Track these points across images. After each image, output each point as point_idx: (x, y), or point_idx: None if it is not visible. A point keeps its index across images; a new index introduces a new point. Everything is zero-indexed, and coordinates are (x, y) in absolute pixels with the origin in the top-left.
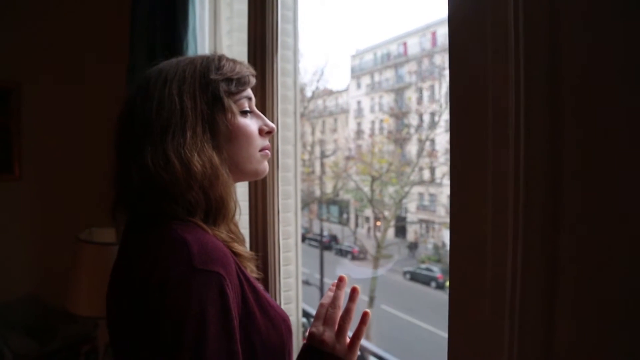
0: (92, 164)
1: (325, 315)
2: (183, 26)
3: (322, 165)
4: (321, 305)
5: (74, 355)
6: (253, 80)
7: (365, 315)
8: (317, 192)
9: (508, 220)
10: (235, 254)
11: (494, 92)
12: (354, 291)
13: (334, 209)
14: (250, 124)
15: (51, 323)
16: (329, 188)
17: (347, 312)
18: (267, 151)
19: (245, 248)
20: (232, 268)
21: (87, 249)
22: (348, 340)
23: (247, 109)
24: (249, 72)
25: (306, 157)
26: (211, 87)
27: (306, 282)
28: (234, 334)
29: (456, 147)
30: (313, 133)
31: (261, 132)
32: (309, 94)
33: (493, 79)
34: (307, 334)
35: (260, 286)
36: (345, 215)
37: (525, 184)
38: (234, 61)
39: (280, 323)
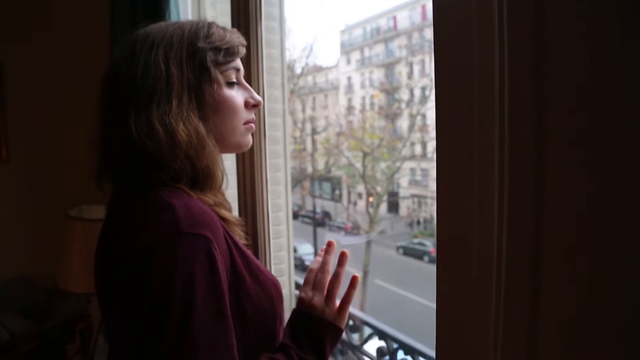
0: (79, 143)
1: (314, 280)
2: None
3: (314, 142)
4: (310, 270)
5: (69, 333)
6: (242, 51)
7: (354, 279)
8: (309, 169)
9: (494, 211)
10: (222, 219)
11: (479, 75)
12: (342, 256)
13: (326, 186)
14: (236, 96)
15: (46, 303)
16: (320, 165)
17: (336, 276)
18: (251, 124)
19: (231, 214)
20: (219, 232)
21: (76, 226)
22: (337, 304)
23: (234, 80)
24: (239, 41)
25: (297, 134)
26: (198, 56)
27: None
28: (222, 297)
29: (442, 127)
30: (303, 110)
31: (247, 104)
32: (298, 70)
33: (478, 58)
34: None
35: (249, 252)
36: (337, 192)
37: (510, 170)
38: (224, 29)
39: (270, 288)
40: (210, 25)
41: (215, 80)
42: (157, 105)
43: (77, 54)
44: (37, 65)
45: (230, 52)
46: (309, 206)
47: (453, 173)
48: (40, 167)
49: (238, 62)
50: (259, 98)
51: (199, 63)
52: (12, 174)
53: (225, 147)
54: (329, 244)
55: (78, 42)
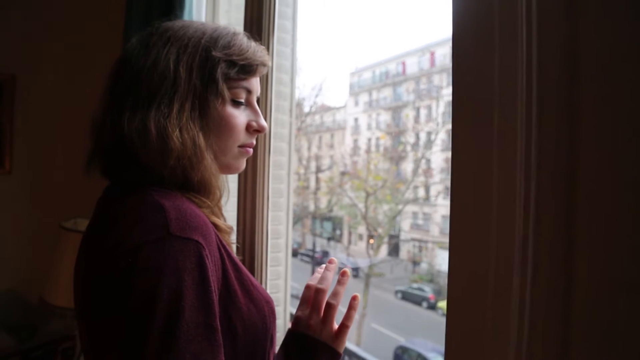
0: (81, 159)
1: (312, 298)
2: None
3: (317, 180)
4: (308, 288)
5: (52, 352)
6: (262, 70)
7: (354, 300)
8: (311, 207)
9: (515, 227)
10: (214, 225)
11: (500, 88)
12: (343, 274)
13: (328, 225)
14: (238, 115)
15: (32, 320)
16: (323, 203)
17: (335, 295)
18: (248, 149)
19: (224, 222)
20: (212, 239)
21: (69, 238)
22: (336, 326)
23: (242, 100)
24: (260, 60)
25: (302, 171)
26: (209, 65)
27: (296, 297)
28: (212, 309)
29: (458, 152)
30: (309, 148)
31: (249, 127)
32: (306, 108)
33: (499, 74)
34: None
35: (242, 264)
36: (338, 232)
37: (537, 186)
38: (248, 43)
39: (263, 304)
40: (234, 35)
41: (220, 94)
42: (157, 106)
43: (89, 70)
44: (47, 79)
45: (245, 70)
46: (308, 244)
47: (470, 187)
48: (41, 180)
49: (252, 83)
50: (263, 124)
51: (208, 72)
52: (13, 186)
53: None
54: (330, 262)
55: (93, 58)
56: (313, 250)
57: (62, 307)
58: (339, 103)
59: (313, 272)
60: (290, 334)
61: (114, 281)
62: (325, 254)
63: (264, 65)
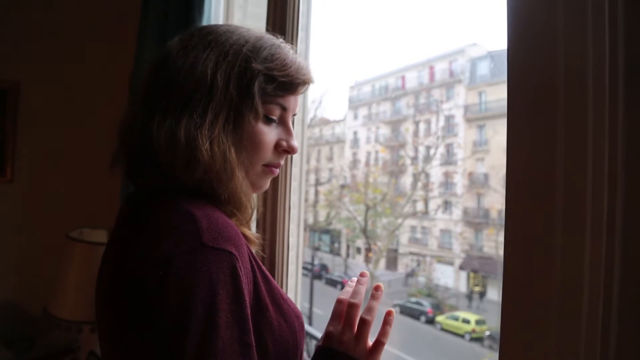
0: (87, 168)
1: (344, 313)
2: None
3: (317, 193)
4: (340, 302)
5: None
6: (302, 89)
7: (388, 315)
8: (310, 220)
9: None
10: (243, 235)
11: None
12: (377, 289)
13: (326, 238)
14: (267, 133)
15: (30, 332)
16: (321, 216)
17: (369, 311)
18: (273, 169)
19: (252, 232)
20: (244, 250)
21: (76, 248)
22: (370, 343)
23: (274, 117)
24: (302, 79)
25: None
26: (247, 76)
27: None
28: (247, 323)
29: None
30: (308, 161)
31: (278, 146)
32: (306, 122)
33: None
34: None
35: (271, 277)
36: (336, 245)
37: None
38: (293, 58)
39: (293, 319)
40: (279, 47)
41: (254, 109)
42: (190, 114)
43: (94, 80)
44: (51, 87)
45: (283, 87)
46: (307, 257)
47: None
48: (44, 190)
49: (289, 100)
50: (294, 144)
51: (245, 84)
52: (15, 195)
53: None
54: (362, 275)
55: (98, 68)
56: (312, 264)
57: (67, 320)
58: (338, 116)
59: (311, 285)
60: (321, 350)
61: (144, 293)
62: (324, 267)
63: (306, 84)
